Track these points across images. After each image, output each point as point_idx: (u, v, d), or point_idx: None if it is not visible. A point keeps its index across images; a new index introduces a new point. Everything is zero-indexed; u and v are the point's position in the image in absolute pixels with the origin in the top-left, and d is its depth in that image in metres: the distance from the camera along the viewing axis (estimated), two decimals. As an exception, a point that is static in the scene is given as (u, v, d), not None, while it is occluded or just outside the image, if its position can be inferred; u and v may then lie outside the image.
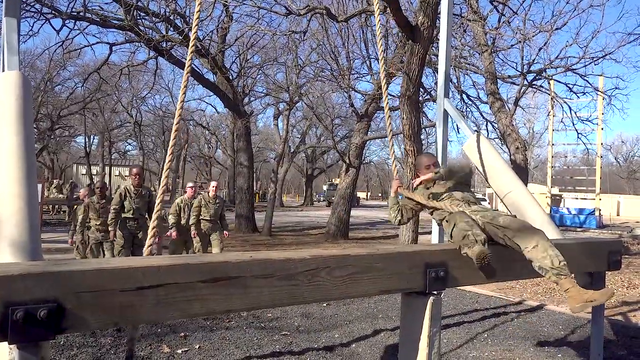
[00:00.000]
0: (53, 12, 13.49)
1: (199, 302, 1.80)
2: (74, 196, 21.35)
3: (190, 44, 2.60)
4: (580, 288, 2.62)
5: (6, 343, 1.44)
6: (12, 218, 2.12)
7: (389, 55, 15.56)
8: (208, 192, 8.42)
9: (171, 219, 8.11)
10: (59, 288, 1.51)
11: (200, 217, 8.17)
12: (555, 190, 29.44)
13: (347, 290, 2.23)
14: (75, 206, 9.10)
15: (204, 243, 8.20)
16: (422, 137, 10.84)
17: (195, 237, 8.08)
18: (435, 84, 8.21)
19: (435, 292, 2.48)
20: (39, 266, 1.56)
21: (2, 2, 2.74)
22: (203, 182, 33.11)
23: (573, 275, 2.77)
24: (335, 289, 2.18)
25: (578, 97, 14.90)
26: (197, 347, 4.81)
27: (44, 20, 13.89)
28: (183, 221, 8.14)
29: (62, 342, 4.64)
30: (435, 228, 4.48)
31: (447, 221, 3.01)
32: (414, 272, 2.42)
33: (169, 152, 2.45)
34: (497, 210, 3.26)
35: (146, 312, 1.70)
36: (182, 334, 5.17)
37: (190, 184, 8.92)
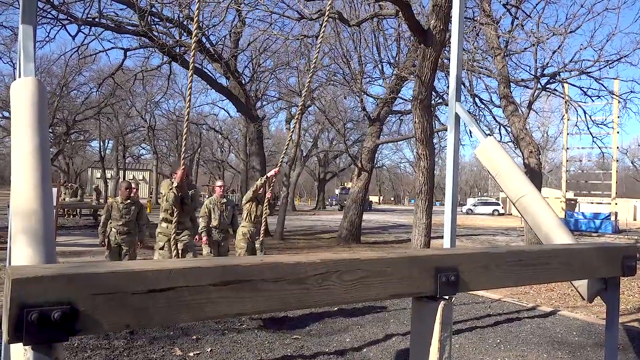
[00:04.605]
0: (69, 18, 13.72)
1: (209, 305, 1.81)
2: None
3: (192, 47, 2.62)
4: None
5: (21, 344, 1.47)
6: (27, 222, 2.15)
7: (401, 58, 15.56)
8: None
9: (202, 222, 7.50)
10: (72, 290, 1.53)
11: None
12: (570, 195, 29.11)
13: (357, 294, 2.22)
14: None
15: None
16: (434, 141, 10.79)
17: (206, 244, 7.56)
18: (448, 87, 8.16)
19: (446, 297, 2.47)
20: (53, 269, 1.58)
21: (19, 9, 2.79)
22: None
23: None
24: (345, 293, 2.17)
25: (593, 100, 14.76)
26: (209, 350, 4.83)
27: (60, 27, 14.14)
28: (215, 222, 7.62)
29: (76, 344, 4.69)
30: (447, 232, 4.45)
31: None
32: (425, 276, 2.40)
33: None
34: None
35: (158, 315, 1.71)
36: (194, 337, 5.20)
37: (219, 183, 8.41)
